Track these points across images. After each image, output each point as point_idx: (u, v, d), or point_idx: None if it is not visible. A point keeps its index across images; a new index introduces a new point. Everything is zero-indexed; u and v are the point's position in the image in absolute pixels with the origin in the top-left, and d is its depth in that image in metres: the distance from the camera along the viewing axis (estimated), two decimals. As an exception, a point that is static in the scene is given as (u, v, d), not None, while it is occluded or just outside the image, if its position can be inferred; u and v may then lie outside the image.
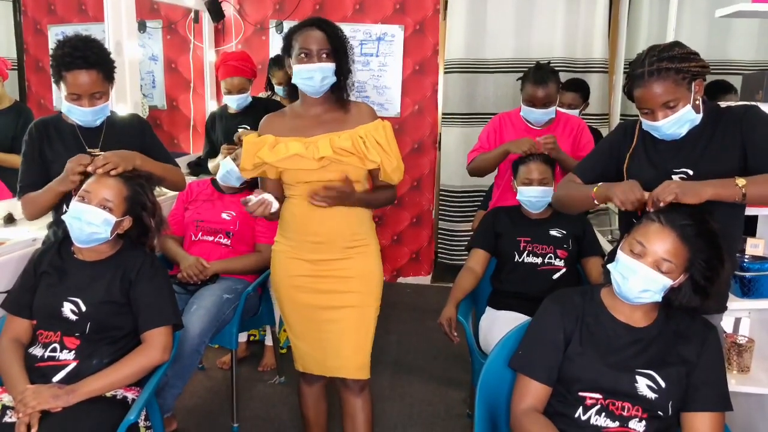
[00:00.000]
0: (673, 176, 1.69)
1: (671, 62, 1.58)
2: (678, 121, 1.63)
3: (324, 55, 1.85)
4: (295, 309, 2.01)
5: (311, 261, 1.96)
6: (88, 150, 2.09)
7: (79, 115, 2.04)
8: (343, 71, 1.89)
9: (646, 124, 1.69)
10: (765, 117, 1.69)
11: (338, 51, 1.87)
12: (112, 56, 2.06)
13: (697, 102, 1.64)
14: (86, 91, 1.99)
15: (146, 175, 1.94)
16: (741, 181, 1.54)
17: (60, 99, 2.05)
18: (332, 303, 1.96)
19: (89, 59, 1.95)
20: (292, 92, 1.99)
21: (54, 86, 3.69)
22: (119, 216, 1.82)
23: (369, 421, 2.07)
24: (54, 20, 4.12)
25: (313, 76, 1.85)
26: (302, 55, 1.85)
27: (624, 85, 1.70)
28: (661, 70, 1.58)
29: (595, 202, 1.73)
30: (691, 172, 1.68)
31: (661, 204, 1.49)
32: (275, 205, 1.85)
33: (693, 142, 1.69)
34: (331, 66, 1.86)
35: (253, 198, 1.82)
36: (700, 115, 1.67)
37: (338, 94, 1.92)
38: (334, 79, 1.88)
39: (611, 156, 1.85)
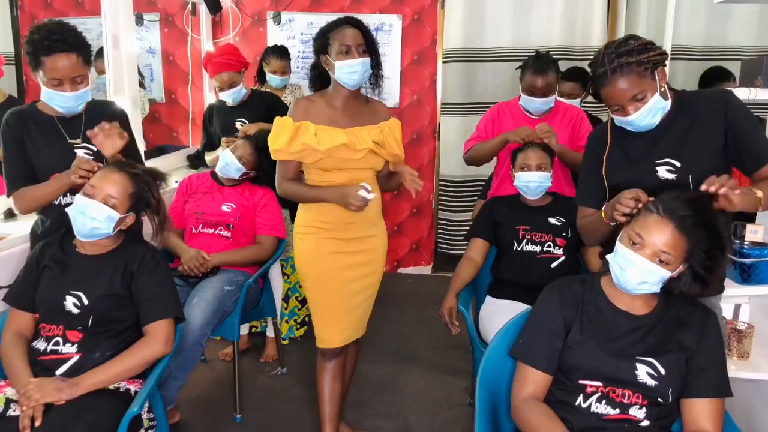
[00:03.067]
0: (657, 168, 1.68)
1: (630, 56, 1.57)
2: (650, 112, 1.62)
3: (362, 51, 2.04)
4: (335, 281, 2.15)
5: (344, 239, 2.14)
6: (70, 141, 2.06)
7: (61, 101, 1.97)
8: (376, 65, 2.10)
9: (619, 120, 1.67)
10: (744, 106, 1.69)
11: (371, 46, 2.07)
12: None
13: (663, 89, 1.64)
14: (67, 75, 1.92)
15: (153, 173, 1.94)
16: (759, 193, 1.52)
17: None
18: (363, 276, 2.20)
19: (68, 41, 1.90)
20: (317, 83, 2.19)
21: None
22: (123, 212, 1.82)
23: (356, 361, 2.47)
24: (51, 14, 4.09)
25: (356, 70, 2.04)
26: (343, 51, 2.02)
27: (589, 87, 1.69)
28: (622, 65, 1.57)
29: (611, 224, 1.65)
30: (678, 164, 1.67)
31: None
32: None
33: (669, 132, 1.68)
34: (368, 59, 2.06)
35: (366, 193, 1.99)
36: (670, 102, 1.67)
37: (372, 85, 2.15)
38: (370, 71, 2.09)
39: (598, 169, 1.80)
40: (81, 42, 1.96)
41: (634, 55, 1.57)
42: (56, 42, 1.88)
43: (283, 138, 2.05)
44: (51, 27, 1.91)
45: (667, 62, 1.68)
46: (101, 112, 2.17)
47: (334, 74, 2.06)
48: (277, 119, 2.11)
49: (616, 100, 1.63)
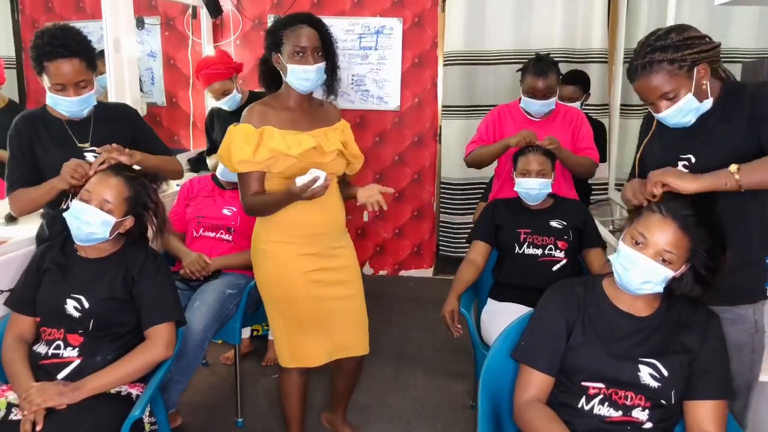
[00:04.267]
0: (678, 162, 1.64)
1: (664, 52, 1.51)
2: (680, 111, 1.56)
3: (318, 54, 1.91)
4: (306, 304, 2.04)
5: (316, 254, 2.03)
6: (79, 145, 2.06)
7: (66, 105, 1.99)
8: (332, 68, 1.96)
9: (655, 115, 1.63)
10: None
11: (329, 49, 1.94)
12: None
13: (704, 87, 1.55)
14: (70, 80, 1.94)
15: (152, 174, 1.93)
16: (733, 167, 1.46)
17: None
18: (339, 293, 2.09)
19: (70, 47, 1.91)
20: (273, 84, 2.04)
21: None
22: (119, 217, 1.82)
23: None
24: (52, 18, 4.10)
25: (310, 77, 1.91)
26: (298, 54, 1.89)
27: (628, 76, 1.64)
28: (653, 62, 1.51)
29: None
30: (693, 159, 1.62)
31: (656, 191, 1.48)
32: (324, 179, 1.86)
33: (703, 126, 1.61)
34: (323, 65, 1.94)
35: (304, 178, 1.83)
36: (709, 101, 1.58)
37: (327, 90, 2.01)
38: (325, 76, 1.96)
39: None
40: (84, 47, 1.96)
41: (668, 52, 1.50)
42: (58, 47, 1.89)
43: (247, 148, 1.89)
44: (54, 32, 1.92)
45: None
46: (110, 115, 2.18)
47: (286, 77, 1.94)
48: (233, 128, 1.95)
49: (646, 96, 1.58)
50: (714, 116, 1.60)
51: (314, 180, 1.84)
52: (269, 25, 2.00)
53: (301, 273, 2.02)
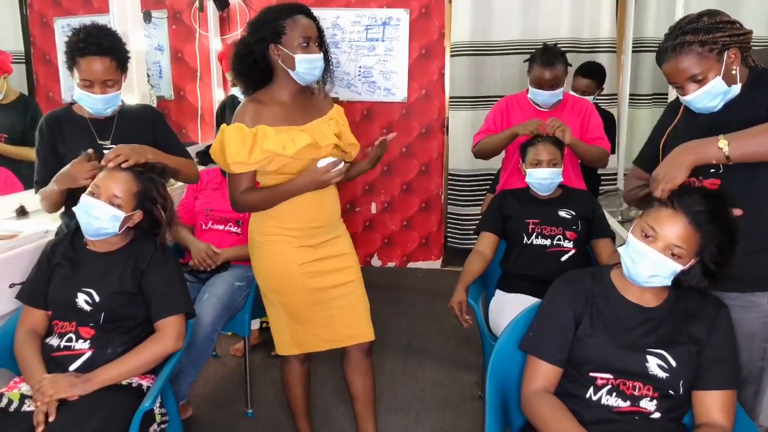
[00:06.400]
0: None
1: (695, 34, 1.51)
2: (708, 95, 1.55)
3: (317, 44, 1.91)
4: (304, 295, 2.03)
5: (313, 246, 2.02)
6: (99, 142, 2.10)
7: (90, 102, 2.05)
8: (326, 58, 1.96)
9: (681, 98, 1.62)
10: None
11: (323, 38, 1.95)
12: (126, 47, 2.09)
13: (733, 72, 1.54)
14: (98, 78, 2.00)
15: (159, 168, 1.94)
16: (723, 142, 1.45)
17: (68, 92, 2.07)
18: (338, 281, 2.06)
19: (102, 46, 1.98)
20: (252, 73, 1.95)
21: (62, 79, 3.73)
22: (128, 211, 1.83)
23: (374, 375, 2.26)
24: (60, 12, 4.12)
25: (318, 66, 1.91)
26: (304, 44, 1.87)
27: (657, 59, 1.63)
28: (683, 44, 1.52)
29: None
30: None
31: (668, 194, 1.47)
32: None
33: (727, 112, 1.60)
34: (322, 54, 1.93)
35: (327, 161, 1.87)
36: (737, 86, 1.57)
37: (324, 79, 2.01)
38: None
39: (661, 137, 1.76)
40: (116, 47, 2.03)
41: (699, 34, 1.51)
42: (90, 45, 1.96)
43: (243, 150, 1.85)
44: (90, 30, 1.99)
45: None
46: (133, 115, 2.24)
47: (294, 68, 1.88)
48: (225, 128, 1.90)
49: (674, 78, 1.58)
50: (739, 103, 1.59)
51: (334, 164, 1.88)
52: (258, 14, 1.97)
53: (297, 265, 1.99)
